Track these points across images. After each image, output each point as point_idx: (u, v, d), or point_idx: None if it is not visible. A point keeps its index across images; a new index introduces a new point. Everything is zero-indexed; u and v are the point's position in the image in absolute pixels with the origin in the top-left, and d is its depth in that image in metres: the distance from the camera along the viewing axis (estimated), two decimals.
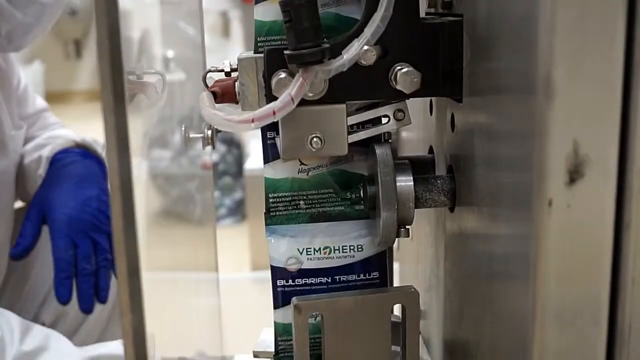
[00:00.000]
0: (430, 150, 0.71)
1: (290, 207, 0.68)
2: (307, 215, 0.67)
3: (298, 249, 0.67)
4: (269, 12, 0.61)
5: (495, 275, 0.52)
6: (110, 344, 1.04)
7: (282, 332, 0.69)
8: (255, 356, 0.75)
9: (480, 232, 0.56)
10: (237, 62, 0.61)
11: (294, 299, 0.63)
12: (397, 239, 0.63)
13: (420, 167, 0.68)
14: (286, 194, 0.67)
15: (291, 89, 0.55)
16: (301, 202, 0.67)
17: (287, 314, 0.67)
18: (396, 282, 0.72)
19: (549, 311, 0.44)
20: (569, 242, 0.44)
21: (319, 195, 0.67)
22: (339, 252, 0.67)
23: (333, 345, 0.63)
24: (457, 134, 0.61)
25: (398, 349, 0.66)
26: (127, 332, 0.41)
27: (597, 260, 0.44)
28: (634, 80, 0.42)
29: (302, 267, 0.67)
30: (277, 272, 0.67)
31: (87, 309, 1.06)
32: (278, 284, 0.67)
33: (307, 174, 0.67)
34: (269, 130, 0.67)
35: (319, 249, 0.67)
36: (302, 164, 0.67)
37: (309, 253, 0.67)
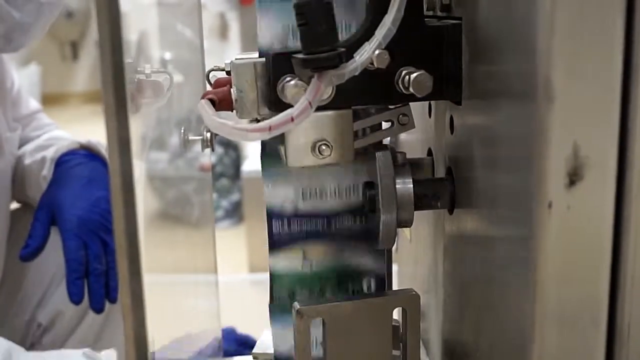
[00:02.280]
0: (429, 153, 0.71)
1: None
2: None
3: None
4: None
5: (495, 277, 0.52)
6: (72, 356, 1.02)
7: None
8: (254, 358, 0.75)
9: (479, 234, 0.56)
10: (231, 67, 0.58)
11: (295, 304, 0.63)
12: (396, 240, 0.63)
13: (420, 169, 0.68)
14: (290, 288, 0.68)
15: (308, 94, 0.53)
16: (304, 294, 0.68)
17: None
18: (395, 284, 0.72)
19: (548, 313, 0.44)
20: (569, 244, 0.44)
21: (321, 284, 0.68)
22: None
23: (334, 349, 0.63)
24: (456, 136, 0.61)
25: (398, 352, 0.65)
26: (129, 335, 0.41)
27: (596, 262, 0.44)
28: (633, 81, 0.42)
29: None
30: None
31: (98, 308, 1.06)
32: None
33: (310, 270, 0.68)
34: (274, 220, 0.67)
35: None
36: (305, 258, 0.68)
37: None
